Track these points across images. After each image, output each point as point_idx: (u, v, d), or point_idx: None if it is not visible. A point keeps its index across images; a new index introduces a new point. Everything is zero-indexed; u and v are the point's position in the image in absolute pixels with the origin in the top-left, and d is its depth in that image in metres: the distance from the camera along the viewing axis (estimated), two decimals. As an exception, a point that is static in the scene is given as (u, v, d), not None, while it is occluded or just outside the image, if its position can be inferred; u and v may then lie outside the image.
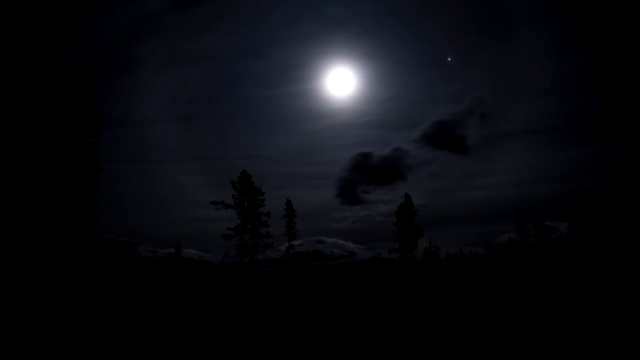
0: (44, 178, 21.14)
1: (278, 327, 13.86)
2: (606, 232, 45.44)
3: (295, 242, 44.76)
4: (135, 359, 9.81)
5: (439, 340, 11.31)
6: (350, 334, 12.38)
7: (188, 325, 13.86)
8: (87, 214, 22.22)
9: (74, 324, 12.96)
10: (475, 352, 9.90)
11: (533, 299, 20.59)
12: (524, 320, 14.25)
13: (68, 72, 22.81)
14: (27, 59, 24.14)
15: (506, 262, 50.27)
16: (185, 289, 25.80)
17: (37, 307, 14.94)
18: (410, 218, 45.32)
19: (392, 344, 11.14)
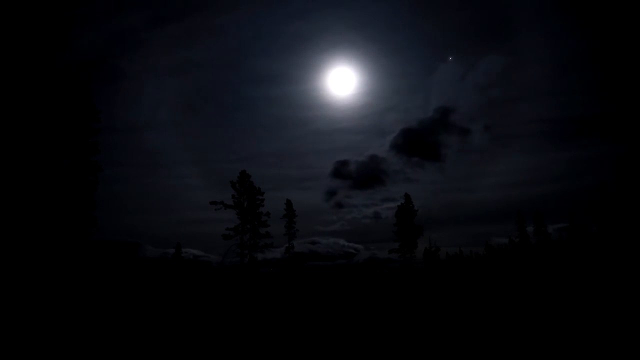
0: (44, 178, 21.14)
1: (278, 327, 13.85)
2: (606, 232, 45.45)
3: (295, 242, 44.76)
4: (136, 358, 9.80)
5: (439, 340, 11.31)
6: (351, 334, 12.38)
7: (188, 326, 13.85)
8: (87, 214, 22.21)
9: (74, 324, 12.96)
10: (475, 352, 9.90)
11: (533, 299, 20.59)
12: (523, 320, 14.26)
13: (67, 74, 22.82)
14: (26, 61, 24.16)
15: (506, 263, 50.28)
16: (186, 290, 25.78)
17: (37, 307, 14.94)
18: (410, 218, 45.33)
19: (393, 343, 11.14)
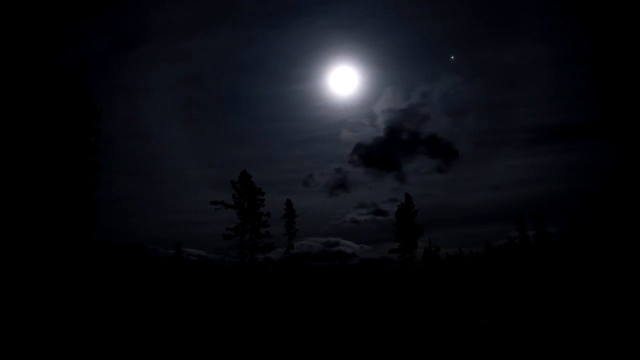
0: (44, 178, 21.13)
1: (278, 327, 13.84)
2: (606, 233, 45.42)
3: (295, 242, 44.64)
4: (137, 358, 9.80)
5: (440, 339, 11.31)
6: (352, 334, 12.37)
7: (189, 325, 13.84)
8: (87, 213, 22.20)
9: (73, 323, 12.95)
10: (475, 352, 9.89)
11: (533, 299, 20.58)
12: (523, 320, 14.25)
13: (67, 74, 22.79)
14: (26, 62, 24.17)
15: (506, 263, 50.23)
16: (186, 290, 25.77)
17: (38, 306, 14.92)
18: (410, 218, 45.23)
19: (393, 343, 11.14)
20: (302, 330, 13.21)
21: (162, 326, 13.56)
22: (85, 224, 22.14)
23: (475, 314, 16.41)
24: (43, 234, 20.40)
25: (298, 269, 50.93)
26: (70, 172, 22.14)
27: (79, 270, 20.90)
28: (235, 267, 32.31)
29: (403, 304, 20.65)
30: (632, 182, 47.03)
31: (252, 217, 33.21)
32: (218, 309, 18.08)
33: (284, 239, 43.56)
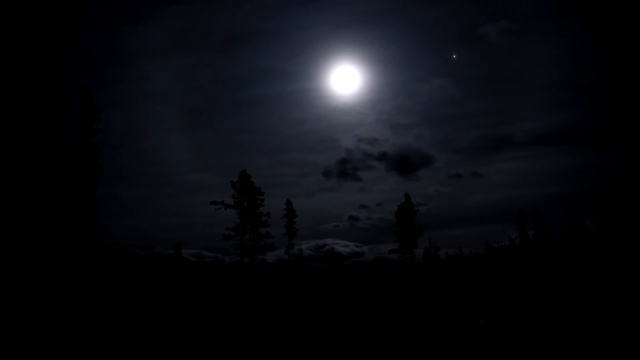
0: (44, 178, 21.13)
1: (277, 327, 13.84)
2: (606, 233, 45.44)
3: (294, 242, 44.63)
4: (138, 357, 9.80)
5: (440, 339, 11.31)
6: (353, 333, 12.37)
7: (188, 326, 13.84)
8: (87, 213, 22.20)
9: (73, 323, 12.95)
10: (475, 352, 9.90)
11: (533, 299, 20.58)
12: (523, 320, 14.25)
13: (67, 74, 22.80)
14: (26, 62, 24.17)
15: (506, 263, 50.24)
16: (186, 290, 25.78)
17: (38, 306, 14.92)
18: (410, 218, 45.23)
19: (394, 343, 11.14)
20: (302, 330, 13.21)
21: (162, 326, 13.56)
22: (85, 224, 22.15)
23: (475, 313, 16.41)
24: (43, 234, 20.40)
25: (298, 269, 50.94)
26: (70, 172, 22.14)
27: (79, 270, 20.90)
28: (235, 267, 32.30)
29: (403, 304, 20.65)
30: (632, 183, 47.08)
31: (252, 217, 33.20)
32: (218, 309, 18.08)
33: (284, 239, 43.61)
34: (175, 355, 9.98)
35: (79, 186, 22.09)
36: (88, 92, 23.57)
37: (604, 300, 17.64)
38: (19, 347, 10.12)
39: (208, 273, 42.99)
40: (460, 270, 51.92)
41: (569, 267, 35.78)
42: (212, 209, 32.19)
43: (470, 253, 78.61)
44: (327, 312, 17.57)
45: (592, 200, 47.80)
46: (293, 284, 34.95)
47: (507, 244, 64.68)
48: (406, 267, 43.51)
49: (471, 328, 12.93)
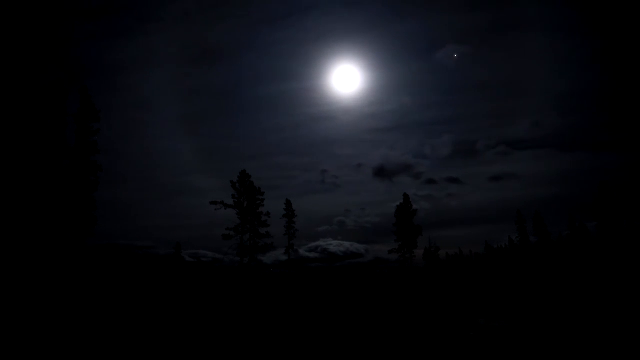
0: (44, 178, 21.12)
1: (277, 327, 13.83)
2: (606, 232, 45.46)
3: (295, 243, 44.62)
4: (139, 357, 9.79)
5: (440, 339, 11.30)
6: (353, 333, 12.37)
7: (188, 325, 13.83)
8: (87, 213, 22.18)
9: (73, 323, 12.94)
10: (475, 351, 9.89)
11: (533, 299, 20.58)
12: (523, 320, 14.25)
13: (67, 74, 22.79)
14: (26, 62, 24.15)
15: (506, 263, 50.25)
16: (185, 290, 25.76)
17: (38, 306, 14.91)
18: (409, 218, 45.23)
19: (394, 342, 11.13)
20: (302, 330, 13.20)
21: (161, 326, 13.55)
22: (85, 224, 22.13)
23: (475, 313, 16.40)
24: (43, 234, 20.38)
25: (297, 269, 50.92)
26: (70, 172, 22.13)
27: (79, 270, 20.89)
28: (235, 267, 32.29)
29: (403, 304, 20.64)
30: (631, 183, 47.13)
31: (251, 217, 33.18)
32: (218, 309, 18.07)
33: (283, 239, 43.59)
34: (175, 355, 9.97)
35: (78, 186, 22.08)
36: (87, 92, 23.55)
37: (603, 301, 17.64)
38: (19, 347, 10.10)
39: (208, 273, 42.98)
40: (460, 270, 51.93)
41: (568, 267, 35.79)
42: (212, 209, 32.19)
43: (470, 253, 78.68)
44: (328, 312, 17.56)
45: (592, 199, 47.90)
46: (293, 284, 34.94)
47: (507, 244, 64.72)
48: (406, 267, 43.51)
49: (471, 328, 12.93)
